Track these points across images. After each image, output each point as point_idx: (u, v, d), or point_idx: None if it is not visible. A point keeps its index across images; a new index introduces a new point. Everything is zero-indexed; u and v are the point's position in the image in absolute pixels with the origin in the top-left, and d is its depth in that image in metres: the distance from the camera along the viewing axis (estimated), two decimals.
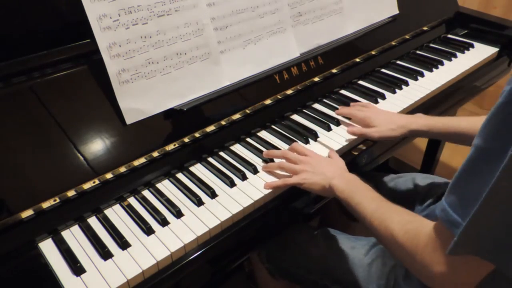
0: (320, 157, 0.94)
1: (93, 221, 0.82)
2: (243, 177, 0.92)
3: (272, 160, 0.97)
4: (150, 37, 0.89)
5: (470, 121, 0.95)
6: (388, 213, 0.73)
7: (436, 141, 1.77)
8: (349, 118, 1.11)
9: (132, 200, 0.87)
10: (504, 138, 0.50)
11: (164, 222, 0.81)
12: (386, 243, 0.72)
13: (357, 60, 1.28)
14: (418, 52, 1.46)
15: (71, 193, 0.80)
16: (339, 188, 0.84)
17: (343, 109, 1.11)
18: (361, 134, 1.03)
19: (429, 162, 1.83)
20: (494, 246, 0.54)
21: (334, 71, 1.22)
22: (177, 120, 0.94)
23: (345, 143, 1.03)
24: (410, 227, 0.66)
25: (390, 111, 1.10)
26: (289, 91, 1.12)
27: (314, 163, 0.91)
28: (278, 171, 0.93)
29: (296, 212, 0.98)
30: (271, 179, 0.91)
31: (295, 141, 1.02)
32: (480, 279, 0.60)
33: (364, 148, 1.05)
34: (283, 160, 0.94)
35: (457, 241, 0.54)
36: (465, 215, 0.54)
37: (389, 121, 1.01)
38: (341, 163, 0.93)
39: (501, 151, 0.50)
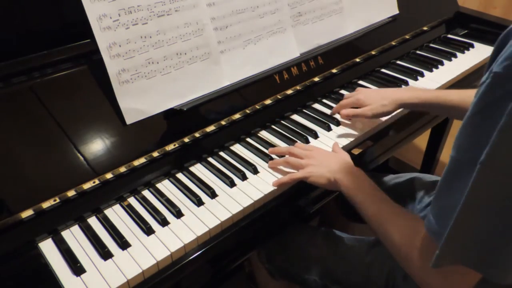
0: (325, 151, 0.95)
1: (93, 221, 0.82)
2: (243, 177, 0.92)
3: (278, 157, 0.97)
4: (150, 37, 0.89)
5: (461, 94, 0.96)
6: (388, 215, 0.74)
7: (436, 141, 1.77)
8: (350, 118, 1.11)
9: (132, 200, 0.87)
10: (473, 151, 0.51)
11: (164, 222, 0.81)
12: (385, 244, 0.73)
13: (357, 60, 1.28)
14: (418, 52, 1.46)
15: (71, 193, 0.80)
16: (344, 183, 0.84)
17: (335, 107, 1.11)
18: (354, 114, 1.04)
19: (429, 162, 1.83)
20: (474, 255, 0.54)
21: (334, 71, 1.22)
22: (177, 120, 0.94)
23: (345, 143, 1.03)
24: (407, 232, 0.67)
25: (380, 88, 1.10)
26: (289, 91, 1.12)
27: (320, 157, 0.91)
28: (282, 168, 0.94)
29: (296, 212, 0.98)
30: (271, 179, 0.91)
31: (295, 141, 1.02)
32: (473, 285, 0.60)
33: (364, 148, 1.05)
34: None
35: (438, 254, 0.55)
36: (445, 226, 0.54)
37: (380, 97, 1.03)
38: (346, 156, 0.93)
39: (472, 163, 0.50)
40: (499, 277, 0.54)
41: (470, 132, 0.52)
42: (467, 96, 0.94)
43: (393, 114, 1.06)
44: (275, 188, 0.89)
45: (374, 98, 1.03)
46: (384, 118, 1.09)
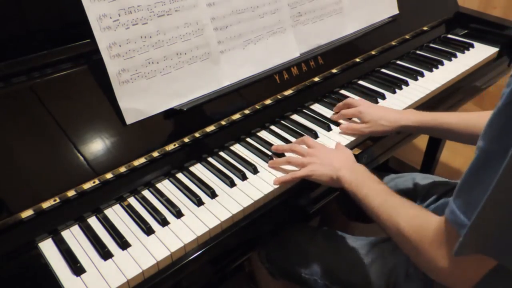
0: (327, 149, 0.95)
1: (93, 221, 0.82)
2: (243, 177, 0.92)
3: (278, 156, 0.97)
4: (150, 37, 0.89)
5: (460, 117, 0.96)
6: (394, 206, 0.74)
7: (436, 141, 1.77)
8: (350, 118, 1.11)
9: (132, 200, 0.87)
10: (505, 140, 0.50)
11: (164, 222, 0.81)
12: (393, 236, 0.73)
13: (357, 60, 1.28)
14: (418, 52, 1.46)
15: (71, 193, 0.80)
16: (347, 179, 0.84)
17: (336, 115, 1.10)
18: (352, 130, 1.04)
19: (429, 162, 1.83)
20: (498, 244, 0.54)
21: (334, 71, 1.22)
22: (177, 120, 0.94)
23: (345, 143, 1.03)
24: (416, 222, 0.67)
25: (382, 106, 1.10)
26: (289, 91, 1.12)
27: (322, 155, 0.91)
28: (283, 167, 0.94)
29: (296, 212, 0.98)
30: (271, 179, 0.91)
31: None
32: (484, 273, 0.61)
33: (364, 148, 1.05)
34: (291, 154, 0.95)
35: (462, 242, 0.55)
36: (472, 217, 0.54)
37: (380, 116, 1.02)
38: (349, 154, 0.94)
39: (503, 153, 0.50)
40: None
41: (503, 122, 0.52)
42: (465, 119, 0.94)
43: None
44: (275, 188, 0.89)
45: (374, 116, 1.03)
46: None
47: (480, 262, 0.58)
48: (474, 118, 0.93)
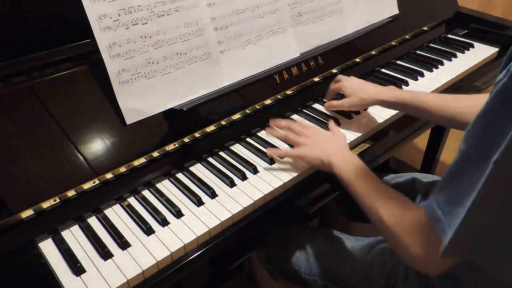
0: (322, 132, 0.99)
1: (93, 221, 0.82)
2: (243, 177, 0.92)
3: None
4: (150, 37, 0.89)
5: (439, 98, 0.98)
6: (378, 194, 0.76)
7: (436, 141, 1.77)
8: (350, 118, 1.11)
9: (132, 200, 0.87)
10: (484, 145, 0.52)
11: (164, 222, 0.81)
12: (374, 223, 0.76)
13: (357, 60, 1.28)
14: (418, 52, 1.46)
15: (71, 193, 0.80)
16: (337, 165, 0.87)
17: (327, 93, 1.15)
18: (333, 106, 1.09)
19: (429, 162, 1.83)
20: (482, 251, 0.56)
21: (334, 71, 1.22)
22: (177, 120, 0.94)
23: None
24: (396, 210, 0.70)
25: (364, 80, 1.12)
26: (289, 91, 1.12)
27: (316, 138, 0.94)
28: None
29: (296, 212, 0.98)
30: (271, 179, 0.91)
31: None
32: (456, 262, 0.65)
33: (364, 148, 1.05)
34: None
35: (447, 246, 0.56)
36: (447, 213, 0.57)
37: (361, 90, 1.05)
38: (342, 139, 0.96)
39: (481, 157, 0.51)
40: (503, 273, 0.56)
41: (483, 127, 0.53)
42: (443, 100, 0.96)
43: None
44: (275, 188, 0.89)
45: (355, 90, 1.06)
46: (391, 113, 1.11)
47: None
48: (452, 101, 0.95)
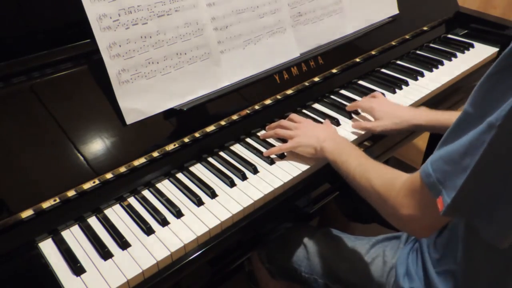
0: (313, 123, 1.02)
1: (93, 221, 0.82)
2: (243, 177, 0.92)
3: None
4: (150, 37, 0.89)
5: None
6: (369, 167, 0.79)
7: (436, 141, 1.76)
8: (350, 117, 1.11)
9: (132, 200, 0.87)
10: (485, 106, 0.53)
11: (164, 222, 0.81)
12: (365, 192, 0.78)
13: (357, 60, 1.28)
14: (418, 52, 1.46)
15: (71, 193, 0.80)
16: (328, 149, 0.89)
17: (352, 103, 1.13)
18: (363, 128, 1.06)
19: None
20: (481, 212, 0.57)
21: (334, 71, 1.22)
22: (177, 120, 0.94)
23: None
24: (387, 177, 0.73)
25: (394, 102, 1.10)
26: (289, 91, 1.12)
27: (307, 128, 0.97)
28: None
29: (296, 212, 0.98)
30: (271, 179, 0.91)
31: None
32: (443, 224, 0.70)
33: (364, 148, 1.05)
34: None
35: (450, 204, 0.57)
36: (445, 172, 0.58)
37: (393, 115, 1.02)
38: (333, 128, 1.00)
39: (480, 118, 0.53)
40: (498, 239, 0.56)
41: (486, 90, 0.54)
42: None
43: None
44: (276, 188, 0.89)
45: (386, 113, 1.03)
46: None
47: (437, 215, 0.60)
48: None
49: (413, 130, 1.04)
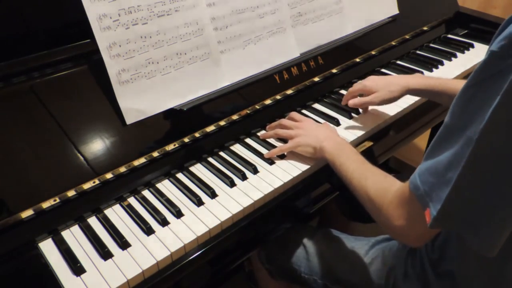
0: (314, 122, 1.01)
1: (93, 221, 0.82)
2: (243, 177, 0.92)
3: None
4: (150, 37, 0.89)
5: (459, 82, 0.97)
6: (366, 172, 0.79)
7: None
8: (350, 117, 1.11)
9: (132, 200, 0.87)
10: (464, 119, 0.54)
11: (164, 222, 0.81)
12: (360, 198, 0.78)
13: (357, 60, 1.28)
14: (418, 52, 1.46)
15: (71, 193, 0.80)
16: (328, 149, 0.89)
17: (344, 96, 1.13)
18: (361, 103, 1.07)
19: None
20: (466, 222, 0.57)
21: (334, 71, 1.22)
22: (177, 120, 0.94)
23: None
24: (382, 185, 0.73)
25: (386, 75, 1.11)
26: (289, 91, 1.12)
27: (308, 127, 0.97)
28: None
29: (296, 212, 0.98)
30: (271, 179, 0.91)
31: None
32: (435, 233, 0.70)
33: (364, 147, 1.05)
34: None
35: (436, 216, 0.57)
36: (431, 184, 0.58)
37: (388, 83, 1.04)
38: (333, 129, 1.00)
39: (460, 130, 0.54)
40: (485, 249, 0.57)
41: (464, 102, 0.55)
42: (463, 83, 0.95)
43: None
44: (276, 188, 0.89)
45: (381, 85, 1.05)
46: (391, 113, 1.11)
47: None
48: None
49: (408, 94, 1.05)
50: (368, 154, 1.06)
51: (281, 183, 0.90)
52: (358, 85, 1.09)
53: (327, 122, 1.06)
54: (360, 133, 1.06)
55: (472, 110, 0.53)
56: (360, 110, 1.13)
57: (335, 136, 0.95)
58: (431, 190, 0.58)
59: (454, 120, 0.56)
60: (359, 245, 0.97)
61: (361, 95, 1.09)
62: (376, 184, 0.74)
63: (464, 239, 0.59)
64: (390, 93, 1.03)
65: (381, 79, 1.08)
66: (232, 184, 0.90)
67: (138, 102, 0.88)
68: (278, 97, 1.10)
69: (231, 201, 0.86)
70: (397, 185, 0.70)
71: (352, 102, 1.07)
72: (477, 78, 0.53)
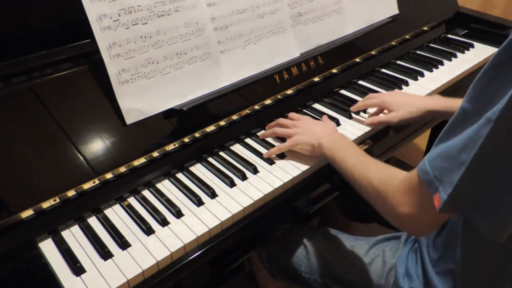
0: (312, 120, 1.01)
1: (93, 221, 0.82)
2: (243, 177, 0.92)
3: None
4: (150, 37, 0.89)
5: None
6: (367, 164, 0.79)
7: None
8: (350, 117, 1.11)
9: (132, 200, 0.87)
10: (482, 102, 0.53)
11: (164, 222, 0.81)
12: (363, 190, 0.77)
13: (357, 60, 1.28)
14: (418, 52, 1.46)
15: (71, 193, 0.80)
16: (327, 146, 0.89)
17: (357, 104, 1.12)
18: (379, 122, 1.05)
19: None
20: (477, 206, 0.57)
21: (334, 71, 1.22)
22: (177, 120, 0.94)
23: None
24: (385, 175, 0.73)
25: (405, 92, 1.10)
26: (289, 91, 1.12)
27: (306, 125, 0.97)
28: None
29: (296, 212, 0.98)
30: (271, 179, 0.91)
31: None
32: (442, 222, 0.70)
33: (364, 148, 1.05)
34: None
35: (446, 200, 0.57)
36: (442, 169, 0.57)
37: (408, 103, 1.02)
38: (332, 125, 1.00)
39: (478, 114, 0.53)
40: (496, 233, 0.56)
41: (483, 84, 0.54)
42: None
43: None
44: (276, 188, 0.89)
45: (400, 104, 1.02)
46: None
47: (436, 213, 0.60)
48: None
49: (428, 118, 1.04)
50: (368, 154, 1.06)
51: (281, 183, 0.90)
52: (376, 100, 1.07)
53: (326, 116, 1.06)
54: (360, 133, 1.06)
55: (492, 92, 0.52)
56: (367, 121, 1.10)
57: (333, 132, 0.94)
58: (442, 174, 0.57)
59: (471, 104, 0.55)
60: (359, 245, 0.97)
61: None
62: (379, 173, 0.74)
63: (473, 223, 0.58)
64: (409, 113, 1.01)
65: (401, 97, 1.05)
66: (232, 184, 0.90)
67: (138, 102, 0.88)
68: (278, 97, 1.10)
69: (231, 201, 0.86)
70: (402, 174, 0.69)
71: (369, 121, 1.05)
72: (497, 61, 0.53)
